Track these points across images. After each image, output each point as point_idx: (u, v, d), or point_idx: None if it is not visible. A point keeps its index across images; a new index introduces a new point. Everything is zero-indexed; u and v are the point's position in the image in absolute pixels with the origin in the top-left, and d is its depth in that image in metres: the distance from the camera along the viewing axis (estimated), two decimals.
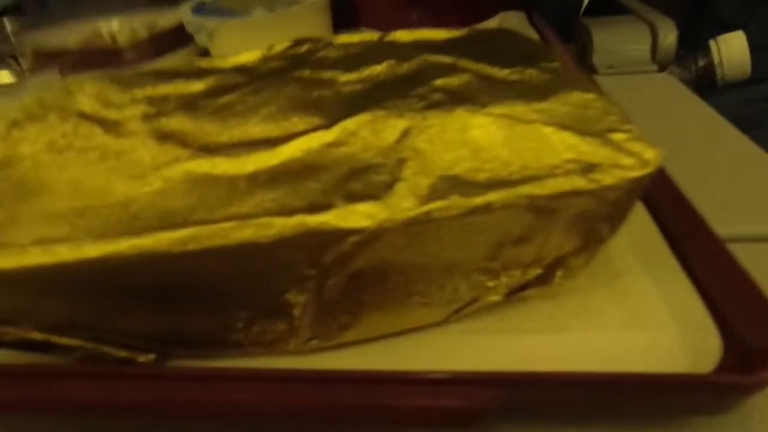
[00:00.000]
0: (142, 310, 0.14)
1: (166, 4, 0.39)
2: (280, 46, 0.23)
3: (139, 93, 0.20)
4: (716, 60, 0.37)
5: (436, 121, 0.14)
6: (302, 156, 0.14)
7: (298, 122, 0.16)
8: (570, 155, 0.13)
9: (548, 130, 0.14)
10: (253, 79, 0.20)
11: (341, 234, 0.12)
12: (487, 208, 0.12)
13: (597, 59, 0.34)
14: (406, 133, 0.14)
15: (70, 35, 0.35)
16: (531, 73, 0.17)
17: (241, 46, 0.33)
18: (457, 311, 0.15)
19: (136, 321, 0.14)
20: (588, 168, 0.13)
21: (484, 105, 0.15)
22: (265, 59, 0.22)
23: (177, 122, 0.17)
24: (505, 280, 0.15)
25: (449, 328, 0.16)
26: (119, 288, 0.13)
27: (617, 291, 0.16)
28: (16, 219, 0.13)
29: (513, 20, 0.37)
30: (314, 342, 0.15)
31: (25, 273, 0.12)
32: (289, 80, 0.18)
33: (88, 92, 0.20)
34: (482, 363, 0.14)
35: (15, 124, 0.19)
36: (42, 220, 0.13)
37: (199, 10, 0.33)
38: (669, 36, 0.34)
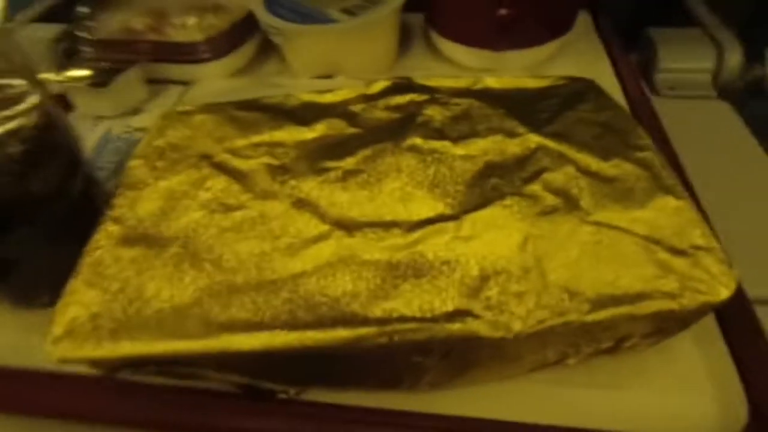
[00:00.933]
0: (303, 367, 0.17)
1: None
2: (377, 87, 0.24)
3: (256, 138, 0.22)
4: None
5: (550, 230, 0.17)
6: (436, 250, 0.17)
7: (422, 206, 0.18)
8: (663, 273, 0.16)
9: (645, 245, 0.17)
10: (365, 133, 0.22)
11: (482, 339, 0.15)
12: (596, 324, 0.15)
13: (659, 79, 0.35)
14: (526, 241, 0.17)
15: (134, 18, 0.34)
16: (627, 169, 0.19)
17: (317, 50, 0.34)
18: (540, 368, 0.19)
19: (295, 371, 0.18)
20: (679, 292, 0.16)
21: (588, 212, 0.17)
22: (367, 102, 0.23)
23: (308, 187, 0.19)
24: (585, 350, 0.18)
25: (532, 376, 0.20)
26: (295, 358, 0.16)
27: (670, 358, 0.20)
28: (209, 292, 0.16)
29: (581, 27, 0.37)
30: (426, 386, 0.19)
31: (231, 353, 0.15)
32: (404, 148, 0.20)
33: (210, 134, 0.22)
34: (550, 413, 0.18)
35: (155, 168, 0.21)
36: (227, 295, 0.16)
37: (272, 4, 0.32)
38: (734, 59, 0.34)
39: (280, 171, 0.20)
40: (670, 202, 0.18)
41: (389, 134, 0.21)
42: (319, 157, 0.21)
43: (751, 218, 0.27)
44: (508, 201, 0.18)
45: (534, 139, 0.20)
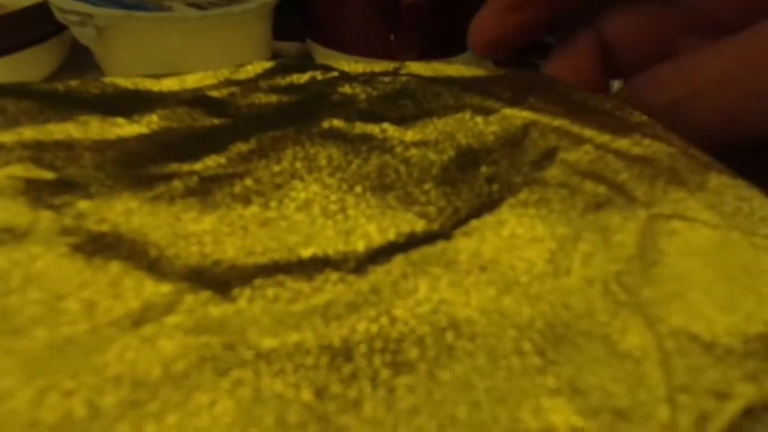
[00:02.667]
0: None
1: None
2: (253, 70, 0.15)
3: (3, 135, 0.11)
4: None
5: (613, 234, 0.09)
6: (421, 305, 0.08)
7: (374, 223, 0.09)
8: None
9: (750, 242, 0.10)
10: (241, 123, 0.12)
11: None
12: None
13: None
14: (588, 257, 0.09)
15: None
16: (654, 147, 0.13)
17: (146, 54, 0.24)
18: None
19: None
20: None
21: (650, 203, 0.10)
22: (240, 86, 0.14)
23: (118, 212, 0.09)
24: None
25: None
26: None
27: None
28: None
29: (472, 55, 0.34)
30: None
31: None
32: (316, 134, 0.11)
33: None
34: None
35: None
36: None
37: None
38: (617, 84, 0.35)
39: (51, 189, 0.09)
40: (724, 180, 0.12)
41: (286, 120, 0.12)
42: (149, 160, 0.11)
43: None
44: (524, 195, 0.10)
45: (518, 114, 0.13)
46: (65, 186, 0.10)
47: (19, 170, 0.10)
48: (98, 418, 0.06)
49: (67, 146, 0.11)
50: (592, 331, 0.08)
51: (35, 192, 0.09)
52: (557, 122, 0.13)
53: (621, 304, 0.08)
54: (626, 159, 0.12)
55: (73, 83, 0.14)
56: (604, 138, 0.13)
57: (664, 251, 0.09)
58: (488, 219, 0.09)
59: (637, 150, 0.13)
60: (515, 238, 0.09)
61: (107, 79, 0.14)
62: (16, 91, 0.12)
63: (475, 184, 0.10)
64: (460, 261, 0.09)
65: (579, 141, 0.12)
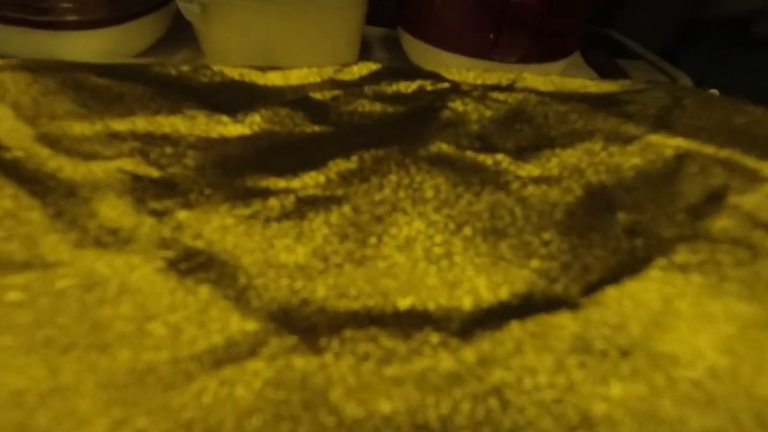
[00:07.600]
0: None
1: None
2: (358, 71, 0.14)
3: (118, 123, 0.11)
4: None
5: None
6: (538, 387, 0.07)
7: (476, 274, 0.08)
8: None
9: None
10: (342, 134, 0.11)
11: None
12: None
13: None
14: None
15: None
16: None
17: (243, 34, 0.24)
18: None
19: None
20: None
21: None
22: (347, 92, 0.13)
23: (213, 228, 0.09)
24: None
25: None
26: None
27: None
28: None
29: (578, 59, 0.31)
30: None
31: None
32: (423, 158, 0.10)
33: (17, 105, 0.10)
34: None
35: None
36: None
37: None
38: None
39: (155, 189, 0.09)
40: None
41: (390, 136, 0.11)
42: (248, 168, 0.10)
43: None
44: (682, 255, 0.08)
45: (667, 142, 0.11)
46: (167, 188, 0.09)
47: (129, 164, 0.10)
48: None
49: (174, 141, 0.11)
50: None
51: (140, 192, 0.09)
52: (724, 152, 0.11)
53: None
54: None
55: (185, 68, 0.14)
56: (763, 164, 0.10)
57: None
58: (630, 286, 0.08)
59: None
60: (671, 315, 0.07)
61: (216, 68, 0.14)
62: (135, 77, 0.12)
63: (610, 235, 0.09)
64: (593, 338, 0.07)
65: (755, 178, 0.10)
